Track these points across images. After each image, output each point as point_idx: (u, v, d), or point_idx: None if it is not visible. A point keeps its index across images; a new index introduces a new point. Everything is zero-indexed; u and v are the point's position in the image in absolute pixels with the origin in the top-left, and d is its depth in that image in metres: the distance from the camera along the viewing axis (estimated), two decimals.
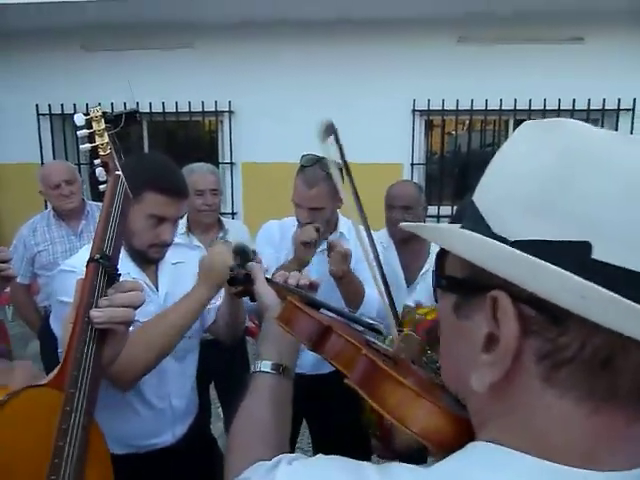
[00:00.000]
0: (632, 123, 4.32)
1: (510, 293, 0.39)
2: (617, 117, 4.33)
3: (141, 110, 3.82)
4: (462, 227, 0.48)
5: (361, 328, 0.82)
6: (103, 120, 0.85)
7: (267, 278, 0.92)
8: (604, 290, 0.34)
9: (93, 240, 0.79)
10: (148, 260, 1.42)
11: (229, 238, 2.41)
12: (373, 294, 1.93)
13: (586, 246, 0.36)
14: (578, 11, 4.05)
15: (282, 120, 4.50)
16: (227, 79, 4.49)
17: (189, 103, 4.59)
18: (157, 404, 1.44)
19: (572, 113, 4.34)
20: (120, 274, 0.79)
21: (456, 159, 4.93)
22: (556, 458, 0.39)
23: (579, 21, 4.16)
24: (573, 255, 0.36)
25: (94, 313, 0.74)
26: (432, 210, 4.57)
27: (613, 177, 0.37)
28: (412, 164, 4.60)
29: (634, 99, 4.27)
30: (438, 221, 4.42)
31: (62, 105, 4.73)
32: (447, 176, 4.93)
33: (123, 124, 0.87)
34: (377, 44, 4.40)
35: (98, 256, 0.77)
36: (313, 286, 0.99)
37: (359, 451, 1.19)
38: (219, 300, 1.53)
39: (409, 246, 2.40)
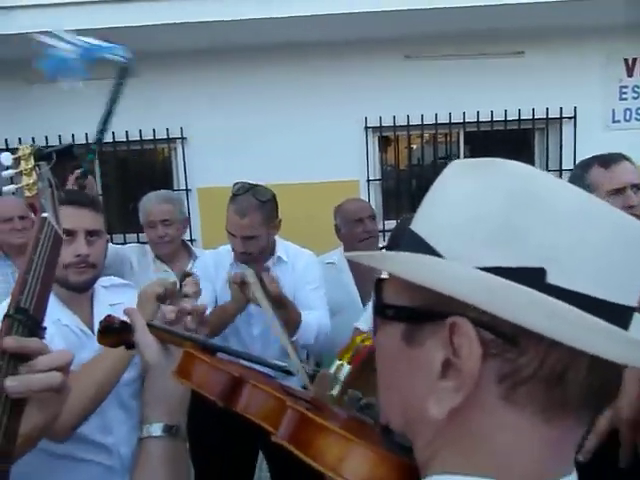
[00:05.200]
0: (575, 130, 4.50)
1: (469, 318, 0.39)
2: (560, 125, 4.50)
3: (90, 141, 3.70)
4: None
5: (266, 369, 0.73)
6: (32, 158, 0.81)
7: (149, 323, 0.80)
8: (574, 309, 0.36)
9: (13, 291, 0.72)
10: (72, 287, 1.34)
11: (196, 268, 2.34)
12: (313, 320, 1.91)
13: (541, 272, 0.38)
14: (517, 28, 4.21)
15: (235, 144, 4.47)
16: (178, 106, 4.45)
17: (140, 132, 4.51)
18: (103, 453, 1.36)
19: (518, 123, 4.49)
20: (45, 328, 0.72)
21: (411, 173, 5.00)
22: (513, 477, 0.40)
23: (519, 36, 4.33)
24: (529, 281, 0.38)
25: (8, 383, 0.65)
26: (392, 224, 4.61)
27: (558, 208, 0.40)
28: (368, 180, 4.65)
29: (574, 107, 4.44)
30: None
31: (6, 140, 4.57)
32: (404, 190, 4.99)
33: (56, 160, 0.83)
34: (327, 65, 4.45)
35: (13, 311, 0.68)
36: (204, 321, 0.87)
37: None
38: None
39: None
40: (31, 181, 0.79)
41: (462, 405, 0.40)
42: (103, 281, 1.52)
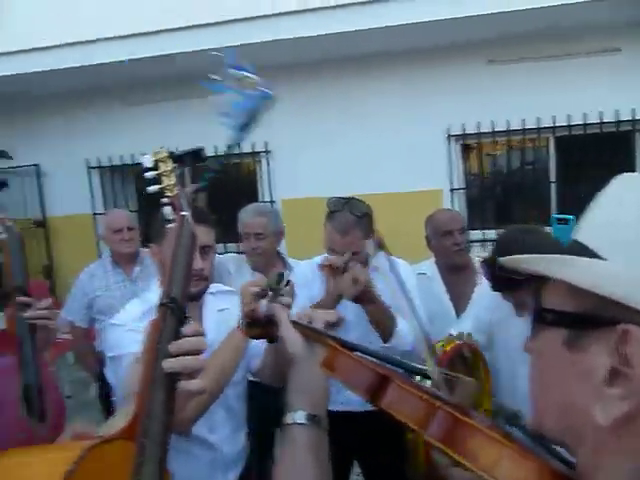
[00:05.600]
0: None
1: None
2: None
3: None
4: None
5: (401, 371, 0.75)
6: (170, 161, 0.87)
7: (291, 320, 0.84)
8: None
9: (162, 283, 0.79)
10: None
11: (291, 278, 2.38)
12: (409, 328, 1.88)
13: None
14: (610, 22, 3.98)
15: (318, 155, 4.55)
16: (262, 120, 4.60)
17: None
18: (208, 450, 1.45)
19: (616, 125, 4.21)
20: (189, 316, 0.78)
21: (496, 181, 4.85)
22: None
23: (613, 32, 4.08)
24: None
25: (167, 364, 0.73)
26: (477, 235, 4.48)
27: None
28: (452, 189, 4.55)
29: None
30: (483, 245, 4.33)
31: (110, 158, 4.94)
32: (488, 199, 4.85)
33: (189, 163, 0.89)
34: (408, 73, 4.45)
35: (166, 300, 0.76)
36: (339, 323, 0.90)
37: None
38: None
39: (460, 274, 2.33)
40: (172, 182, 0.85)
41: (631, 414, 0.39)
42: (210, 288, 1.60)
